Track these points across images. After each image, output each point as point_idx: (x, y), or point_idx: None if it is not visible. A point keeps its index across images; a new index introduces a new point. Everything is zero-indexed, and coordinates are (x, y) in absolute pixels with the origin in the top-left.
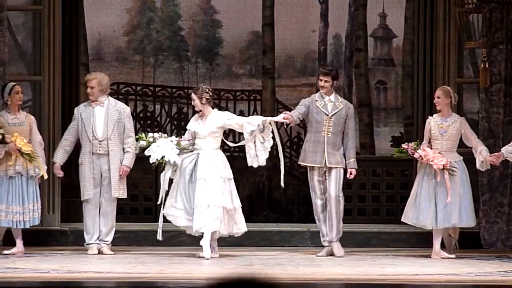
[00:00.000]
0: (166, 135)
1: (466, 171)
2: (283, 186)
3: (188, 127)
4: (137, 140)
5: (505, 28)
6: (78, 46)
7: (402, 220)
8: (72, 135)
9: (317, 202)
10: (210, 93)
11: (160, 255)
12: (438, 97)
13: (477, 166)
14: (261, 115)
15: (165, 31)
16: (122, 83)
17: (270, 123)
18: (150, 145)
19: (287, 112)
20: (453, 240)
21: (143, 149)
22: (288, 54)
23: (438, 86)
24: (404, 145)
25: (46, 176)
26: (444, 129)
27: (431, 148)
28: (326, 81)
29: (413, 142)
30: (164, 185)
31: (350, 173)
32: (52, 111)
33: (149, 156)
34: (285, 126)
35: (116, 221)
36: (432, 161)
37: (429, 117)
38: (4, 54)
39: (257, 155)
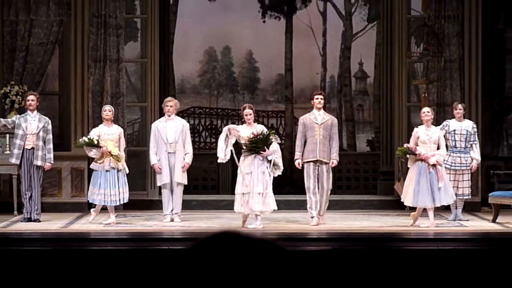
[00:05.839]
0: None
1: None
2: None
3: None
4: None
5: (437, 71)
6: (169, 84)
7: (405, 204)
8: (156, 143)
9: (310, 183)
10: None
11: (221, 216)
12: (428, 112)
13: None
14: (284, 128)
15: (223, 73)
16: (197, 107)
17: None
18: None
19: (298, 156)
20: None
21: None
22: (301, 88)
23: (395, 109)
24: (408, 145)
25: (127, 171)
26: (429, 136)
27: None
28: (322, 99)
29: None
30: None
31: (332, 163)
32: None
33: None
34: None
35: (190, 193)
36: (429, 158)
37: (415, 128)
38: (123, 89)
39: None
